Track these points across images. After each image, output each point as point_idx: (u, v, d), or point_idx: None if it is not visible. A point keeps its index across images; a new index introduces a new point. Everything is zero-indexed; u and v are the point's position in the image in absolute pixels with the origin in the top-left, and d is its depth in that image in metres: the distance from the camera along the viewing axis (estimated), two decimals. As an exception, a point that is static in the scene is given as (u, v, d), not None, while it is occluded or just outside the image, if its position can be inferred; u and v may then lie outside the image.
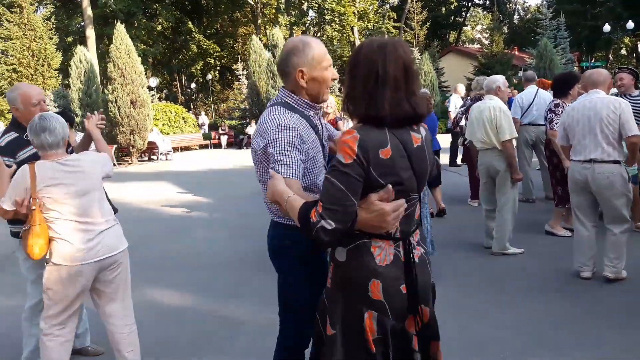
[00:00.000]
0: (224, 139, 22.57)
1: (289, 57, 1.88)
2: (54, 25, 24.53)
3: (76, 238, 2.55)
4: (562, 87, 5.32)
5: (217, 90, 38.32)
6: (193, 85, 35.75)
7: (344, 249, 1.62)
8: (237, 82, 29.46)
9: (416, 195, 1.64)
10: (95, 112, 3.28)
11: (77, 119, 15.01)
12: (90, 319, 3.44)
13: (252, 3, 32.53)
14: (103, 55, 25.24)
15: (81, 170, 2.60)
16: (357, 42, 32.10)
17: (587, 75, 4.19)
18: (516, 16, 48.62)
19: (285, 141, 1.77)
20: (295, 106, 1.91)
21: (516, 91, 14.14)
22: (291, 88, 1.92)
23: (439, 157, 6.59)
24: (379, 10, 33.81)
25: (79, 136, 5.43)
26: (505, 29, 40.87)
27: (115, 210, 5.09)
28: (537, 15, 31.73)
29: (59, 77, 22.09)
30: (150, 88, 20.87)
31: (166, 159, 17.99)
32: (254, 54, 22.31)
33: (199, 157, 18.53)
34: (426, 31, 35.17)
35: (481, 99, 5.74)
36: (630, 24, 24.99)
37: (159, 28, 32.81)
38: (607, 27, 25.46)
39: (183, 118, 21.56)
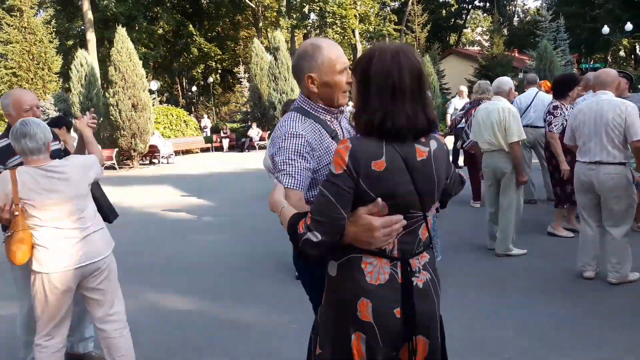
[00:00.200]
0: (225, 142, 22.57)
1: (299, 62, 1.82)
2: (54, 29, 24.58)
3: (56, 245, 2.52)
4: (562, 88, 5.32)
5: (218, 93, 38.38)
6: (194, 88, 35.79)
7: (336, 262, 1.56)
8: (239, 85, 29.51)
9: (420, 213, 1.51)
10: (87, 112, 3.25)
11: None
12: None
13: (254, 6, 32.57)
14: (104, 59, 25.29)
15: (65, 176, 2.57)
16: (359, 45, 32.17)
17: (596, 76, 4.17)
18: (516, 18, 48.66)
19: (291, 150, 1.68)
20: (311, 111, 1.82)
21: (516, 93, 14.17)
22: (306, 93, 1.84)
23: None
24: (380, 13, 33.82)
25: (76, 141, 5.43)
26: (505, 31, 40.88)
27: (116, 216, 5.12)
28: (536, 18, 31.74)
29: (59, 80, 22.13)
30: (151, 91, 20.88)
31: (167, 163, 17.99)
32: (255, 57, 22.33)
33: (200, 161, 18.53)
34: (427, 34, 35.26)
35: (480, 103, 5.75)
36: (629, 26, 25.03)
37: (160, 31, 32.87)
38: (605, 29, 25.50)
39: (184, 121, 21.56)
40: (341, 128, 1.92)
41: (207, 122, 25.66)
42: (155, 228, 7.35)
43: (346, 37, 30.21)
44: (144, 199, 9.97)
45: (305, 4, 27.76)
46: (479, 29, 51.57)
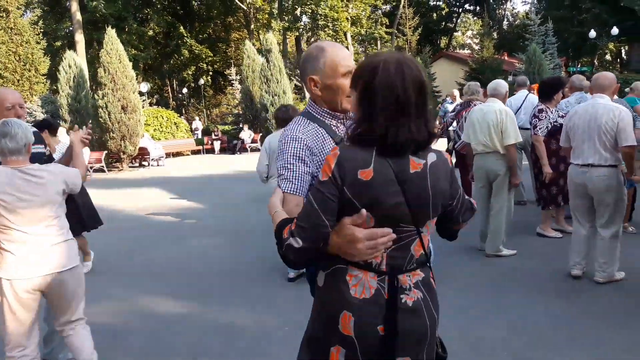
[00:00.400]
0: (216, 145, 22.49)
1: (303, 65, 1.79)
2: (42, 30, 24.32)
3: (21, 250, 2.48)
4: (548, 92, 5.36)
5: (210, 95, 38.24)
6: (185, 90, 35.64)
7: (323, 273, 1.53)
8: (230, 87, 29.45)
9: (412, 227, 1.45)
10: (84, 126, 3.22)
11: (67, 125, 14.90)
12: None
13: (245, 8, 32.52)
14: (93, 60, 25.14)
15: (42, 182, 2.53)
16: (350, 48, 32.22)
17: (594, 79, 4.22)
18: (505, 22, 49.05)
19: (290, 153, 1.66)
20: (316, 116, 1.78)
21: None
22: (313, 97, 1.80)
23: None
24: (372, 16, 33.96)
25: (62, 145, 5.35)
26: (495, 35, 41.20)
27: (94, 226, 5.07)
28: (525, 21, 32.07)
29: (46, 82, 21.89)
30: (141, 93, 20.78)
31: (158, 165, 17.88)
32: (247, 59, 22.28)
33: (191, 163, 18.45)
34: (418, 37, 35.44)
35: (471, 104, 5.78)
36: (615, 30, 25.33)
37: (151, 33, 32.68)
38: (592, 33, 25.78)
39: (175, 123, 21.46)
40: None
41: (198, 124, 25.57)
42: (145, 231, 7.29)
43: (338, 40, 30.25)
44: (133, 202, 9.88)
45: (297, 7, 27.79)
46: (469, 33, 51.93)
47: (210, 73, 37.81)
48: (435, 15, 46.76)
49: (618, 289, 3.94)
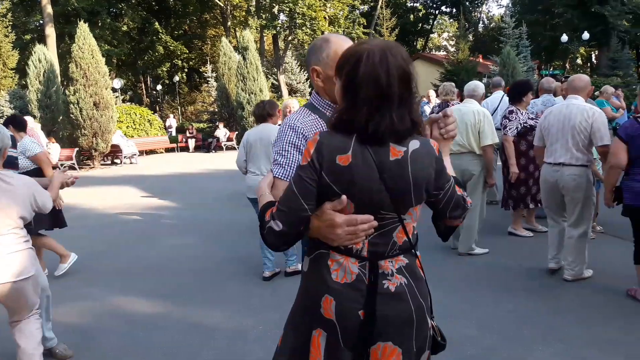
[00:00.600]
0: (191, 142, 22.23)
1: (308, 56, 1.80)
2: (10, 23, 23.67)
3: None
4: (517, 93, 5.47)
5: (185, 92, 37.78)
6: (159, 87, 35.13)
7: (308, 258, 1.55)
8: (206, 85, 29.15)
9: (393, 215, 1.45)
10: (73, 177, 3.21)
11: (37, 120, 14.52)
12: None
13: (222, 5, 32.22)
14: (64, 55, 24.52)
15: (10, 189, 2.52)
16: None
17: (569, 81, 4.34)
18: (481, 25, 49.83)
19: (285, 141, 1.68)
20: (318, 107, 1.78)
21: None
22: (316, 89, 1.81)
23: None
24: (350, 16, 34.02)
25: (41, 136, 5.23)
26: (471, 37, 41.80)
27: (64, 225, 4.95)
28: (500, 25, 32.60)
29: (15, 77, 21.33)
30: (114, 89, 20.42)
31: (130, 163, 17.59)
32: (223, 56, 22.10)
33: (165, 161, 18.21)
34: (395, 38, 35.63)
35: (448, 105, 5.84)
36: (585, 35, 26.01)
37: (125, 28, 32.09)
38: (564, 38, 26.41)
39: (148, 120, 21.13)
40: None
41: (172, 121, 25.19)
42: (118, 230, 7.16)
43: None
44: (105, 201, 9.71)
45: (274, 5, 27.62)
46: (445, 35, 52.57)
47: (186, 70, 37.35)
48: (412, 16, 47.18)
49: (586, 287, 4.04)
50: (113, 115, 16.61)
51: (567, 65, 38.55)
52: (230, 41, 25.68)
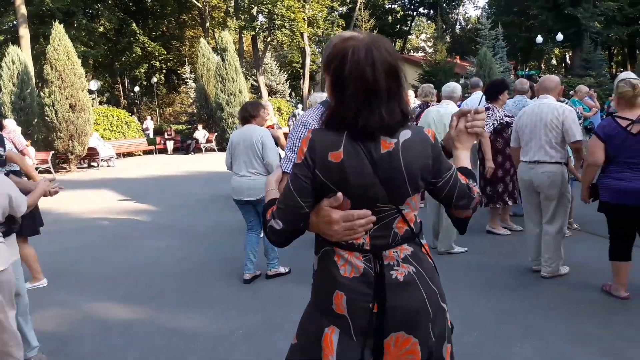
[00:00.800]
0: (169, 144, 21.99)
1: (324, 54, 1.80)
2: (-17, 24, 23.13)
3: None
4: (493, 92, 5.57)
5: (163, 93, 37.36)
6: (137, 88, 34.69)
7: (316, 257, 1.57)
8: (184, 86, 28.90)
9: (390, 206, 1.45)
10: (58, 188, 3.19)
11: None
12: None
13: (200, 6, 31.97)
14: (39, 57, 24.02)
15: None
16: (307, 49, 32.25)
17: (540, 81, 4.43)
18: (458, 26, 50.39)
19: (296, 137, 1.75)
20: None
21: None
22: None
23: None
24: (329, 18, 34.10)
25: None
26: (448, 38, 42.26)
27: (41, 224, 4.86)
28: (477, 26, 33.02)
29: (-13, 79, 20.82)
30: (90, 91, 20.09)
31: (108, 166, 17.33)
32: (202, 57, 21.94)
33: (143, 163, 17.97)
34: (373, 39, 35.74)
35: (428, 105, 5.90)
36: (559, 36, 26.51)
37: (101, 29, 31.62)
38: (539, 39, 26.89)
39: (126, 122, 20.84)
40: None
41: (149, 123, 24.90)
42: (95, 235, 7.04)
43: (295, 40, 30.24)
44: (82, 204, 9.54)
45: (253, 6, 27.53)
46: (423, 36, 53.00)
47: (164, 71, 36.98)
48: (390, 18, 47.48)
49: (563, 283, 4.12)
50: (90, 117, 16.33)
51: (542, 65, 39.24)
52: (208, 42, 25.51)
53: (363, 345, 1.46)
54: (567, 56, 40.17)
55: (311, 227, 1.49)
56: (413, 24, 50.56)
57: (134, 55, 33.29)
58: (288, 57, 38.43)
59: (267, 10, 27.30)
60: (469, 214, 1.60)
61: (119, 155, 19.03)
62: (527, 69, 33.09)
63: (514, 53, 33.95)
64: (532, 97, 6.10)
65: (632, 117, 3.46)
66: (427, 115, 5.17)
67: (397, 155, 1.41)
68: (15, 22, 26.15)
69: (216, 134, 21.09)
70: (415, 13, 48.97)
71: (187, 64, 29.37)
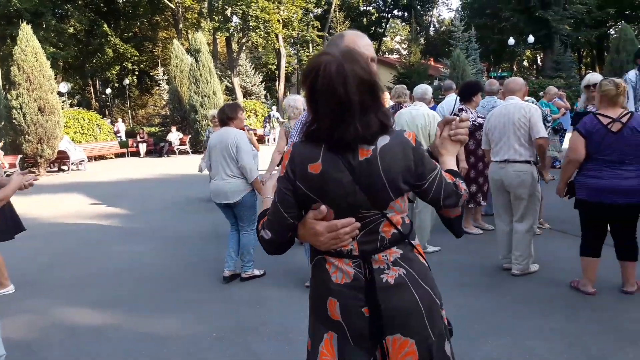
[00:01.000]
0: (142, 147, 21.67)
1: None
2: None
3: None
4: (467, 93, 5.65)
5: (135, 95, 36.82)
6: (108, 90, 34.10)
7: (311, 265, 1.60)
8: (157, 88, 28.53)
9: (374, 212, 1.47)
10: (32, 178, 3.06)
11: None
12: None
13: (173, 7, 31.62)
14: (5, 58, 23.39)
15: None
16: (282, 50, 32.19)
17: (505, 84, 4.53)
18: (432, 28, 51.00)
19: (297, 137, 1.77)
20: None
21: (432, 99, 14.77)
22: None
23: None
24: (303, 19, 34.13)
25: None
26: (422, 41, 42.73)
27: (22, 229, 4.73)
28: (450, 28, 33.47)
29: (-48, 80, 20.20)
30: (60, 93, 19.66)
31: (78, 169, 17.00)
32: (175, 59, 21.69)
33: (115, 167, 17.68)
34: (348, 40, 35.89)
35: (401, 106, 5.94)
36: (531, 38, 27.07)
37: (71, 30, 30.98)
38: (511, 41, 27.39)
39: (97, 125, 20.47)
40: None
41: (120, 126, 24.45)
42: (66, 239, 6.88)
43: (270, 42, 30.16)
44: (53, 209, 9.33)
45: (227, 7, 27.36)
46: (397, 38, 53.51)
47: (136, 73, 36.41)
48: (365, 20, 47.80)
49: (533, 281, 4.19)
50: (59, 120, 15.98)
51: (514, 67, 40.00)
52: (182, 44, 25.23)
53: (362, 349, 1.50)
54: (539, 58, 41.01)
55: (300, 237, 1.54)
56: (388, 26, 50.98)
57: (105, 56, 32.70)
58: (263, 58, 38.30)
59: (241, 12, 27.16)
60: (459, 212, 1.64)
61: (90, 159, 18.70)
62: (499, 71, 33.69)
63: (486, 55, 34.52)
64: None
65: (613, 116, 3.50)
66: (399, 117, 5.21)
67: (376, 162, 1.43)
68: (-19, 23, 25.44)
69: (190, 136, 20.87)
70: (389, 15, 49.39)
71: (160, 65, 28.98)
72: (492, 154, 4.39)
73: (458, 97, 7.04)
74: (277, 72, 34.56)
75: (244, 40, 30.27)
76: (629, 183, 3.47)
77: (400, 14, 49.06)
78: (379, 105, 1.44)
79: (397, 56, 38.78)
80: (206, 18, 29.69)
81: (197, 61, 19.73)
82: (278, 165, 4.84)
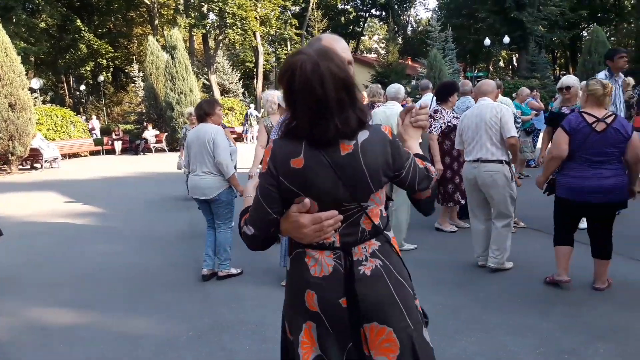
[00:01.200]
0: (117, 145, 21.34)
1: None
2: None
3: None
4: (443, 94, 5.70)
5: (110, 92, 36.19)
6: (83, 87, 33.44)
7: (289, 258, 1.63)
8: (132, 85, 28.10)
9: (355, 205, 1.51)
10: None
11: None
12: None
13: (149, 3, 31.17)
14: (-25, 53, 22.76)
15: None
16: (260, 48, 32.03)
17: (478, 86, 4.59)
18: (409, 28, 51.39)
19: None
20: None
21: (410, 99, 14.89)
22: None
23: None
24: (281, 17, 34.03)
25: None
26: (400, 40, 43.00)
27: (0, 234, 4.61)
28: (428, 28, 33.77)
29: None
30: (32, 90, 19.21)
31: (52, 167, 16.64)
32: (150, 55, 21.41)
33: (89, 164, 17.38)
34: (326, 39, 35.92)
35: (375, 106, 5.98)
36: (506, 39, 27.52)
37: (43, 25, 30.26)
38: (487, 41, 27.79)
39: (71, 122, 20.07)
40: None
41: (95, 123, 24.02)
42: (38, 239, 6.74)
43: (247, 39, 29.97)
44: (25, 208, 9.12)
45: (203, 3, 27.08)
46: (375, 37, 53.74)
47: (111, 69, 35.79)
48: (343, 19, 47.91)
49: (507, 278, 4.26)
50: (31, 117, 15.60)
51: (490, 67, 40.61)
52: (158, 40, 24.89)
53: (341, 336, 1.55)
54: (514, 58, 41.67)
55: (283, 232, 1.55)
56: (366, 25, 51.23)
57: (79, 52, 32.03)
58: (241, 56, 38.07)
59: (218, 8, 26.95)
60: (429, 194, 1.72)
61: (64, 156, 18.33)
62: (476, 71, 34.17)
63: (463, 55, 34.97)
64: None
65: (598, 115, 3.55)
66: (374, 117, 5.24)
67: (357, 156, 1.46)
68: (-52, 16, 24.65)
69: (166, 133, 20.63)
70: (367, 14, 49.62)
71: (135, 62, 28.54)
72: (466, 153, 4.47)
73: (434, 97, 7.16)
74: (255, 69, 34.39)
75: (220, 38, 30.03)
76: (608, 182, 3.54)
77: (378, 13, 49.34)
78: (355, 101, 1.47)
79: (375, 55, 38.89)
80: (182, 14, 29.38)
81: (173, 58, 19.50)
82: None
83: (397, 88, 5.36)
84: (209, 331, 3.54)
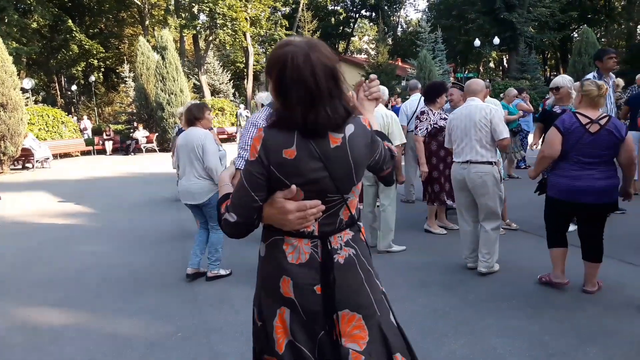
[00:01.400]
0: (108, 145, 21.24)
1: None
2: None
3: None
4: (431, 94, 5.70)
5: (101, 93, 35.99)
6: (74, 87, 33.24)
7: (264, 244, 1.65)
8: (123, 85, 27.99)
9: (338, 196, 1.57)
10: None
11: None
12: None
13: (140, 4, 31.04)
14: (-36, 53, 22.57)
15: None
16: (250, 49, 31.99)
17: (467, 85, 4.58)
18: (399, 29, 51.48)
19: (248, 136, 1.96)
20: None
21: (399, 99, 14.99)
22: None
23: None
24: (271, 18, 34.00)
25: None
26: (390, 41, 43.09)
27: None
28: (417, 29, 33.90)
29: None
30: (24, 90, 19.10)
31: (43, 167, 16.56)
32: (141, 56, 21.32)
33: (81, 165, 17.29)
34: (317, 40, 35.96)
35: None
36: (496, 40, 27.65)
37: (34, 25, 30.03)
38: (477, 42, 27.91)
39: (62, 122, 19.96)
40: None
41: (86, 123, 23.93)
42: (30, 238, 6.71)
43: (237, 40, 29.93)
44: (16, 208, 9.09)
45: (194, 4, 27.03)
46: (365, 38, 53.79)
47: (102, 70, 35.59)
48: (333, 19, 47.90)
49: (496, 280, 4.25)
50: (23, 117, 15.53)
51: (480, 68, 40.79)
52: (148, 40, 24.79)
53: (313, 323, 1.59)
54: (504, 59, 41.88)
55: (265, 218, 1.58)
56: (356, 25, 51.23)
57: (70, 53, 31.84)
58: (231, 56, 37.98)
59: (208, 9, 26.89)
60: (391, 169, 1.82)
61: (55, 156, 18.22)
62: (466, 72, 34.34)
63: (453, 56, 35.10)
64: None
65: (592, 117, 3.54)
66: None
67: (345, 149, 1.53)
68: (-63, 16, 24.43)
69: (157, 134, 20.58)
70: (357, 15, 49.62)
71: (126, 62, 28.41)
72: (455, 154, 4.45)
73: (421, 97, 7.20)
74: (245, 70, 34.34)
75: (211, 38, 29.97)
76: (599, 184, 3.54)
77: (368, 14, 49.36)
78: (341, 92, 1.53)
79: (365, 56, 38.99)
80: (173, 15, 29.29)
81: (163, 58, 19.47)
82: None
83: (381, 89, 5.41)
84: (197, 332, 3.56)
